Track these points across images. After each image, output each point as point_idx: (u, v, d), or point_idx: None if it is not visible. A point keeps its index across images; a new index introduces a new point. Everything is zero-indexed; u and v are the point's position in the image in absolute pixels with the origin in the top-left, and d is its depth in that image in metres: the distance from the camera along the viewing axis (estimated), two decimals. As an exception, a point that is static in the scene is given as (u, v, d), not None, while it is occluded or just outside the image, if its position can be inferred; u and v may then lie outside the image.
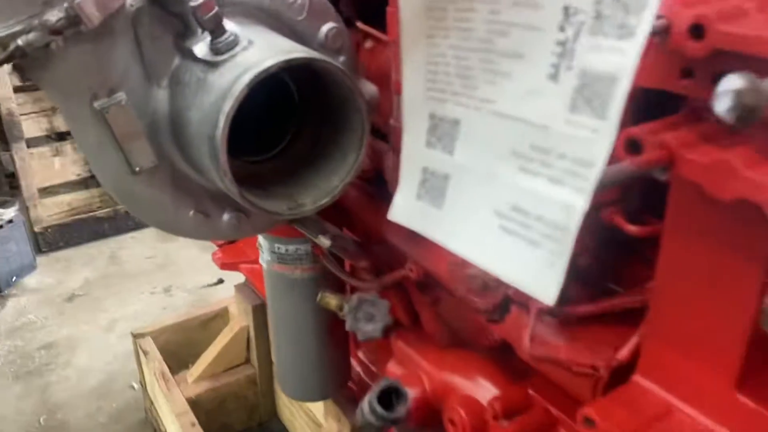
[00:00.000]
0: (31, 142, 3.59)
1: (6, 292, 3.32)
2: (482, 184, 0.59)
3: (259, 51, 0.77)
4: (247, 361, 2.26)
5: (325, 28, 0.91)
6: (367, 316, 1.06)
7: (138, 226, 3.94)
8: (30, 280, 3.45)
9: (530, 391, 0.96)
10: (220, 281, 3.51)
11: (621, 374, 0.76)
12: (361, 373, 1.72)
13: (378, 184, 1.21)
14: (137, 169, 0.81)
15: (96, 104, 0.76)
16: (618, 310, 0.78)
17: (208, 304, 3.27)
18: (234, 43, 0.77)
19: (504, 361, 1.11)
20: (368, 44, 1.15)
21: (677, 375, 0.67)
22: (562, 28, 0.51)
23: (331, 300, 1.15)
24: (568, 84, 0.51)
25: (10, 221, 3.27)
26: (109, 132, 0.78)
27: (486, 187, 0.59)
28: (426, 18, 0.62)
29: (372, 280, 1.24)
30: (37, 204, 3.62)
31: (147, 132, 0.82)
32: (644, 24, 0.46)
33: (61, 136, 3.64)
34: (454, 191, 0.64)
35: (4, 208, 3.41)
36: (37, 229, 3.63)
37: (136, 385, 2.65)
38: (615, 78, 0.47)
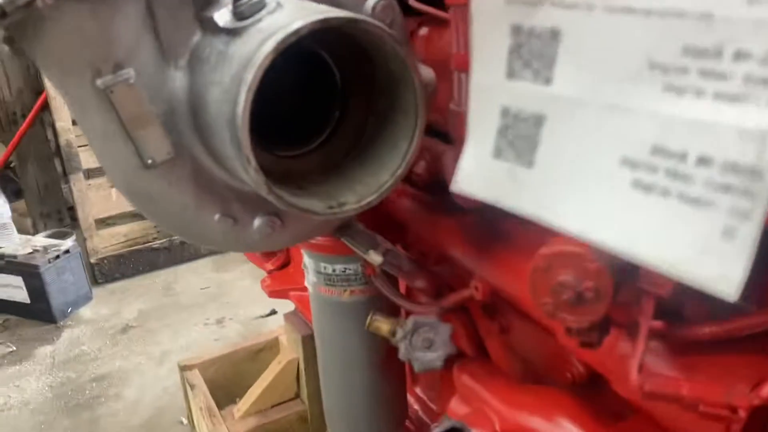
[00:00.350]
0: (89, 174, 3.61)
1: (62, 323, 3.30)
2: (599, 121, 0.41)
3: (289, 13, 0.63)
4: (297, 396, 2.11)
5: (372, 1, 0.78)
6: (425, 343, 0.90)
7: (193, 257, 3.91)
8: (85, 311, 3.43)
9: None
10: (273, 312, 3.41)
11: (761, 417, 0.57)
12: (419, 411, 1.54)
13: (435, 192, 1.05)
14: (149, 162, 0.68)
15: (99, 82, 0.64)
16: (755, 331, 0.59)
17: (259, 335, 3.19)
18: (260, 5, 0.64)
19: (592, 399, 0.92)
20: (423, 31, 1.01)
21: None
22: None
23: (382, 324, 0.99)
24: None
25: (67, 252, 3.26)
26: (115, 117, 0.65)
27: (607, 126, 0.40)
28: None
29: (430, 303, 1.08)
30: (93, 235, 3.63)
31: (163, 120, 0.69)
32: None
33: (119, 167, 3.66)
34: (551, 139, 0.45)
35: (61, 239, 3.42)
36: (93, 260, 3.63)
37: (184, 420, 2.54)
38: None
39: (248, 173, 0.63)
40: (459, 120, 0.77)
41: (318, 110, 0.79)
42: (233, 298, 3.58)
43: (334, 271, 1.23)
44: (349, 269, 1.22)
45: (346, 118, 0.79)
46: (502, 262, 0.88)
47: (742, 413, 0.55)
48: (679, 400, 0.56)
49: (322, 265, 1.23)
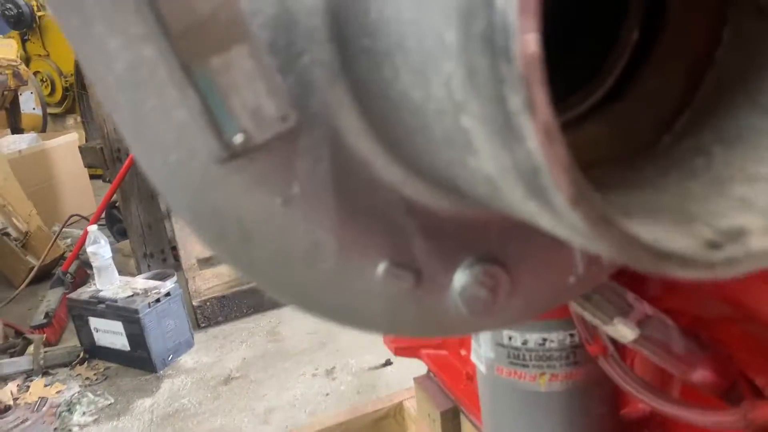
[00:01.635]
0: (191, 209, 3.40)
1: (162, 372, 3.05)
2: None
3: None
4: (433, 483, 1.66)
5: None
6: None
7: (298, 298, 3.60)
8: (187, 359, 3.18)
9: None
10: (388, 363, 3.02)
11: None
12: None
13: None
14: (238, 141, 0.28)
15: None
16: None
17: (375, 392, 2.79)
18: None
19: None
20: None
21: None
22: None
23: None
24: None
25: (168, 294, 3.02)
26: (163, 44, 0.26)
27: None
28: None
29: (726, 409, 0.61)
30: (196, 276, 3.40)
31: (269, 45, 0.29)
32: None
33: (222, 202, 3.44)
34: None
35: (162, 280, 3.20)
36: (195, 302, 3.39)
37: (292, 497, 2.17)
38: None
39: (519, 150, 0.21)
40: None
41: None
42: (343, 344, 3.23)
43: (525, 343, 0.79)
44: (551, 341, 0.78)
45: (658, 43, 0.35)
46: None
47: None
48: None
49: (507, 333, 0.80)
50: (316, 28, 0.30)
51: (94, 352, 3.11)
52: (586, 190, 0.21)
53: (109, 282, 3.04)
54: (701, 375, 0.63)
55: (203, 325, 3.43)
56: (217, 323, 3.45)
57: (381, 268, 0.35)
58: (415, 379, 1.70)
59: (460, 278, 0.38)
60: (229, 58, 0.27)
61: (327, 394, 2.82)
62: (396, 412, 1.92)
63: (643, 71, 0.35)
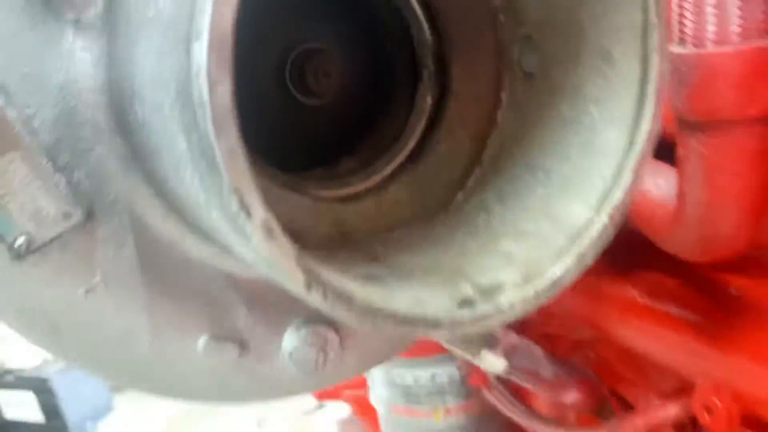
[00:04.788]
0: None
1: (79, 443, 2.89)
2: None
3: None
4: None
5: None
6: None
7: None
8: (106, 425, 3.03)
9: None
10: (321, 405, 2.97)
11: None
12: None
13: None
14: (19, 241, 0.28)
15: None
16: None
17: (308, 435, 2.74)
18: None
19: None
20: None
21: None
22: None
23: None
24: None
25: (82, 358, 2.89)
26: None
27: None
28: None
29: (596, 426, 0.64)
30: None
31: (52, 141, 0.29)
32: None
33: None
34: None
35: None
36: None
37: None
38: None
39: (249, 236, 0.22)
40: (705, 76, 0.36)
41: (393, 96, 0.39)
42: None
43: (417, 381, 0.80)
44: (441, 376, 0.79)
45: (447, 102, 0.38)
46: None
47: None
48: None
49: (397, 372, 0.81)
50: (102, 123, 0.30)
51: (5, 428, 2.92)
52: (316, 275, 0.22)
53: (15, 350, 2.88)
54: (572, 397, 0.65)
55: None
56: (139, 382, 3.33)
57: (201, 343, 0.35)
58: (338, 421, 1.68)
59: (289, 341, 0.38)
60: (1, 165, 0.27)
61: (257, 445, 2.75)
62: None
63: (436, 134, 0.37)
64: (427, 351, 0.79)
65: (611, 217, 0.30)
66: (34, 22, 0.30)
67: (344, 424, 1.64)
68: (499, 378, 0.74)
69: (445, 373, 0.80)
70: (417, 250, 0.32)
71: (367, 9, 0.40)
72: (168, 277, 0.34)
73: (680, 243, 0.46)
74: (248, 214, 0.21)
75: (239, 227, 0.21)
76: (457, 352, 0.62)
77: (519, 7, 0.34)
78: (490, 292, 0.27)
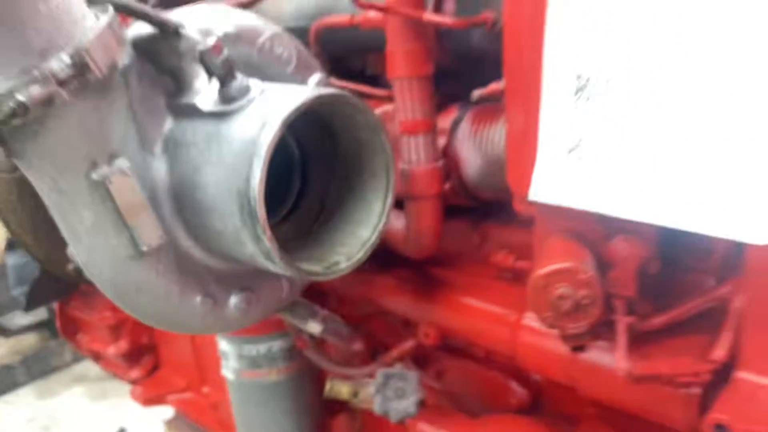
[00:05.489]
0: None
1: None
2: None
3: (277, 95, 0.69)
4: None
5: (313, 79, 0.86)
6: (397, 393, 0.94)
7: (10, 387, 3.43)
8: None
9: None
10: (122, 431, 3.09)
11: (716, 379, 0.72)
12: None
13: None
14: (145, 249, 0.67)
15: (95, 174, 0.63)
16: (692, 315, 0.75)
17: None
18: (247, 89, 0.69)
19: (537, 416, 1.03)
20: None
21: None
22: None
23: (342, 388, 1.01)
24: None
25: None
26: (109, 207, 0.64)
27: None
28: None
29: (371, 364, 1.12)
30: None
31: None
32: None
33: None
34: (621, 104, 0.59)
35: None
36: None
37: None
38: None
39: (261, 243, 0.65)
40: (411, 178, 0.87)
41: (281, 183, 0.84)
42: (67, 425, 3.20)
43: (258, 352, 1.22)
44: (275, 347, 1.22)
45: (307, 186, 0.84)
46: (453, 304, 0.98)
47: (705, 375, 0.69)
48: (661, 377, 0.69)
49: (246, 348, 1.22)
50: (165, 198, 0.70)
51: None
52: (287, 256, 0.66)
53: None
54: (357, 346, 1.14)
55: None
56: None
57: (198, 299, 0.75)
58: (166, 422, 1.98)
59: (233, 299, 0.80)
60: (140, 217, 0.66)
61: (61, 479, 2.80)
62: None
63: (305, 193, 0.83)
64: (267, 330, 1.21)
65: (377, 236, 0.78)
66: (143, 155, 0.70)
67: (171, 422, 1.95)
68: (313, 338, 1.18)
69: (278, 345, 1.23)
70: (304, 248, 0.77)
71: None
72: (187, 268, 0.75)
73: (407, 250, 0.97)
74: (265, 232, 0.64)
75: (259, 233, 0.64)
76: (294, 322, 1.07)
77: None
78: (334, 265, 0.74)
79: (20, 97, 0.53)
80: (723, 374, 0.70)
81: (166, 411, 1.98)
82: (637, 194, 0.57)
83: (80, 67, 0.56)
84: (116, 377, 2.13)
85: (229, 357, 1.25)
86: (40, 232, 1.05)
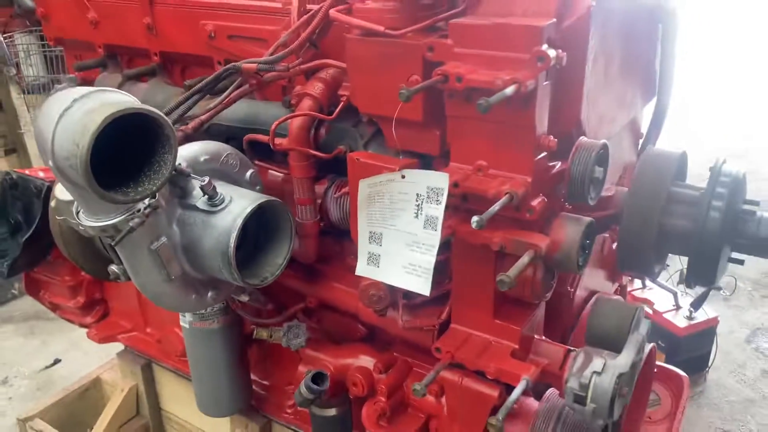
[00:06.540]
0: None
1: None
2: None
3: (238, 201, 1.42)
4: (138, 413, 2.68)
5: (249, 173, 1.59)
6: (295, 335, 1.73)
7: (-54, 329, 3.86)
8: None
9: (395, 354, 1.74)
10: (57, 361, 3.69)
11: (443, 327, 1.57)
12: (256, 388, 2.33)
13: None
14: (172, 277, 1.40)
15: (153, 246, 1.34)
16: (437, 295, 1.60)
17: (54, 386, 3.42)
18: (223, 200, 1.41)
19: (371, 343, 1.87)
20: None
21: (470, 319, 1.50)
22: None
23: (262, 332, 1.79)
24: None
25: None
26: (158, 259, 1.36)
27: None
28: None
29: (278, 318, 1.91)
30: None
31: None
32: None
33: None
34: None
35: None
36: None
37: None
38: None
39: (233, 275, 1.40)
40: (302, 227, 1.63)
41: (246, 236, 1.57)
42: (6, 358, 3.73)
43: (205, 310, 1.96)
44: (216, 306, 1.97)
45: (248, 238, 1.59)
46: (326, 285, 1.77)
47: (437, 326, 1.54)
48: (417, 327, 1.53)
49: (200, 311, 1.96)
50: (179, 249, 1.42)
51: None
52: (241, 275, 1.40)
53: None
54: (270, 307, 1.92)
55: None
56: None
57: (193, 296, 1.48)
58: (117, 354, 2.66)
59: (210, 293, 1.53)
60: (171, 262, 1.37)
61: (10, 398, 3.40)
62: (95, 384, 2.82)
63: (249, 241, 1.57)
64: (211, 298, 1.95)
65: (287, 261, 1.54)
66: (170, 230, 1.41)
67: (122, 354, 2.64)
68: (243, 303, 1.94)
69: (218, 306, 1.98)
70: (248, 269, 1.53)
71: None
72: (189, 280, 1.48)
73: (302, 258, 1.74)
74: (238, 273, 1.38)
75: (233, 273, 1.38)
76: (233, 295, 1.82)
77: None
78: (264, 278, 1.49)
79: (130, 224, 1.24)
80: (446, 325, 1.56)
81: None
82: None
83: (154, 205, 1.27)
84: (70, 322, 2.75)
85: (186, 314, 1.99)
86: (87, 257, 1.72)
